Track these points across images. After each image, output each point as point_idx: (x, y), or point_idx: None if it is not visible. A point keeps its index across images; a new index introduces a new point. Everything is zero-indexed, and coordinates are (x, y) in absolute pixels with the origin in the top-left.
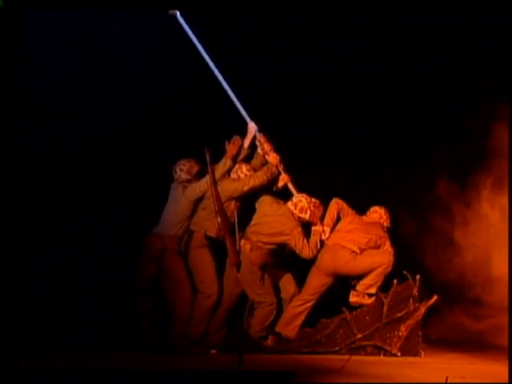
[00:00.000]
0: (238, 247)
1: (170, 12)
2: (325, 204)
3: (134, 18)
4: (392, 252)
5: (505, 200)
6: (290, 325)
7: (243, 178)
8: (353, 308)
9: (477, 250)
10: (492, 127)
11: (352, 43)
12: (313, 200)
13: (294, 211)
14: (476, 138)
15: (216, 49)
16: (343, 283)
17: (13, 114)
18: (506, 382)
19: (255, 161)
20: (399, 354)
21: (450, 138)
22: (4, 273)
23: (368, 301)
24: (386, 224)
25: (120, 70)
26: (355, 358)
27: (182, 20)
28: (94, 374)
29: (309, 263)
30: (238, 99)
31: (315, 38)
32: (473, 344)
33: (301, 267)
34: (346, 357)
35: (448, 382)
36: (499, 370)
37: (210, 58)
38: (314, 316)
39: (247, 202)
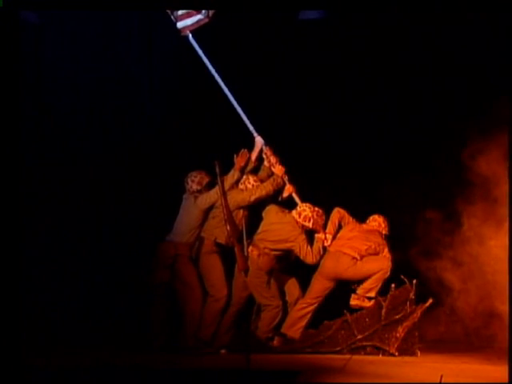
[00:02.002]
0: (246, 253)
1: (183, 34)
2: (327, 213)
3: (144, 22)
4: (390, 258)
5: (489, 235)
6: (295, 326)
7: (250, 188)
8: (353, 310)
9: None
10: (476, 157)
11: (355, 57)
12: (316, 209)
13: (298, 220)
14: (459, 169)
15: (225, 68)
16: (344, 287)
17: (13, 114)
18: (506, 382)
19: (262, 172)
20: (397, 353)
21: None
22: (11, 274)
23: (368, 304)
24: (384, 232)
25: (131, 81)
26: (356, 357)
27: (193, 41)
28: (100, 374)
29: (312, 268)
30: (246, 115)
31: (317, 53)
32: (467, 345)
33: (305, 272)
34: (347, 357)
35: (442, 380)
36: (492, 369)
37: (220, 76)
38: (317, 318)
39: (254, 211)
